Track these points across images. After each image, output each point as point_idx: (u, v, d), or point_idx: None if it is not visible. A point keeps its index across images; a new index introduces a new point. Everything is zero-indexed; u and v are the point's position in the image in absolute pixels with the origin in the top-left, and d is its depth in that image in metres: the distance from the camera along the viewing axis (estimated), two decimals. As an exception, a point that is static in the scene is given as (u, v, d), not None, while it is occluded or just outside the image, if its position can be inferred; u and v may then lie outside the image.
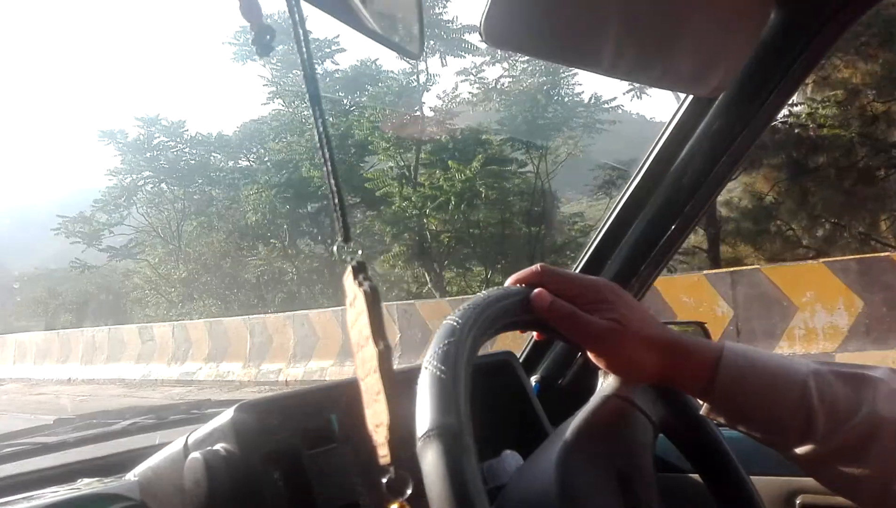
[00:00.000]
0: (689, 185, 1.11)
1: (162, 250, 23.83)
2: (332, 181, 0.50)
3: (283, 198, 20.02)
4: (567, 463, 0.69)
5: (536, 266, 0.76)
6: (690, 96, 1.08)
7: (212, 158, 23.90)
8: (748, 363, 0.73)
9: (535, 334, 1.31)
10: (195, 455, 0.89)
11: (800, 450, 0.71)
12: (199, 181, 23.52)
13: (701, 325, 1.64)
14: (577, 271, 1.26)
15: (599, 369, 0.79)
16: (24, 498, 0.97)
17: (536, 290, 0.73)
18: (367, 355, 0.50)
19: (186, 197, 23.77)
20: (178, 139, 23.19)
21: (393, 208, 17.76)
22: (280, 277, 21.39)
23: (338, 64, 20.87)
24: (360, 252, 0.52)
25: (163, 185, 24.00)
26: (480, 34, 0.77)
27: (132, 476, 1.00)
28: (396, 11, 0.73)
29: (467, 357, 0.63)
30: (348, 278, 0.51)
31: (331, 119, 17.07)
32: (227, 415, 0.94)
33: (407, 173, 18.19)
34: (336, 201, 0.50)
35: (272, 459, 0.90)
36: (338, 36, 20.57)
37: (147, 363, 14.20)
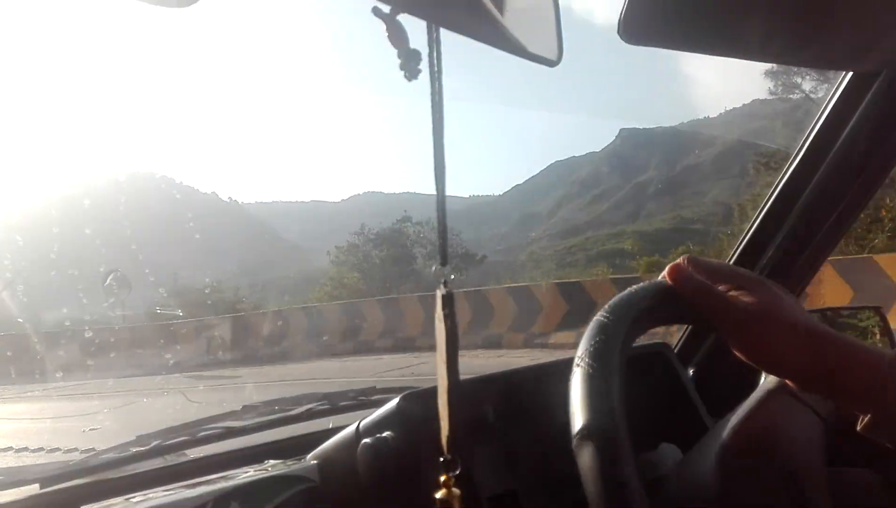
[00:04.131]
0: (853, 168, 1.04)
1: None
2: (440, 211, 0.55)
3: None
4: (728, 461, 0.68)
5: (682, 258, 0.73)
6: (850, 74, 1.01)
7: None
8: None
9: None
10: (366, 441, 0.96)
11: None
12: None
13: (877, 309, 1.51)
14: (732, 261, 1.22)
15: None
16: (221, 478, 1.09)
17: (675, 262, 0.71)
18: (441, 372, 0.55)
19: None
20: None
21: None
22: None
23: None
24: (452, 277, 0.55)
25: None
26: (619, 34, 0.77)
27: (311, 458, 1.10)
28: (534, 20, 0.74)
29: (620, 353, 0.64)
30: (438, 302, 0.55)
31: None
32: (393, 403, 1.01)
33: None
34: (440, 228, 0.55)
35: (436, 447, 0.95)
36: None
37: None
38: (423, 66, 0.63)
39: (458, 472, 0.59)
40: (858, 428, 0.66)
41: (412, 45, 0.58)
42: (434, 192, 0.55)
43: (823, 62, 0.95)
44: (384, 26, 0.60)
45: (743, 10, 0.82)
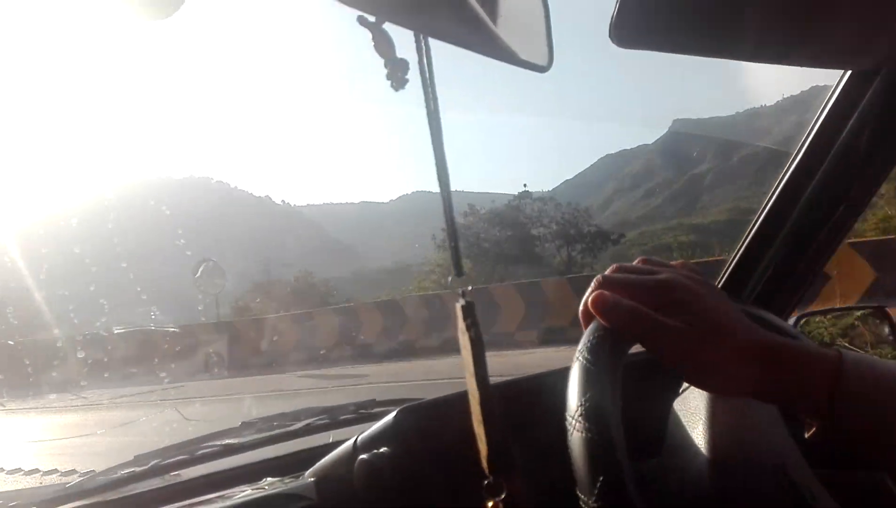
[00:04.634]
0: (854, 167, 1.03)
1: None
2: (448, 221, 0.55)
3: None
4: (719, 466, 0.67)
5: (596, 280, 0.66)
6: (849, 72, 1.00)
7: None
8: (873, 373, 0.59)
9: None
10: (363, 457, 0.95)
11: None
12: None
13: (881, 309, 1.49)
14: (731, 266, 1.20)
15: None
16: (218, 497, 1.08)
17: (594, 293, 0.64)
18: (472, 387, 0.56)
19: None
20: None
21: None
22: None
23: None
24: (469, 288, 0.55)
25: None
26: (611, 38, 0.75)
27: (309, 475, 1.08)
28: (524, 26, 0.73)
29: (617, 351, 0.62)
30: (458, 313, 0.55)
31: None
32: (390, 417, 0.99)
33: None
34: (451, 239, 0.55)
35: (434, 460, 0.94)
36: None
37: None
38: (413, 75, 0.62)
39: (503, 497, 0.56)
40: (806, 436, 0.63)
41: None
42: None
43: (821, 61, 0.93)
44: (370, 35, 0.59)
45: (736, 11, 0.81)
